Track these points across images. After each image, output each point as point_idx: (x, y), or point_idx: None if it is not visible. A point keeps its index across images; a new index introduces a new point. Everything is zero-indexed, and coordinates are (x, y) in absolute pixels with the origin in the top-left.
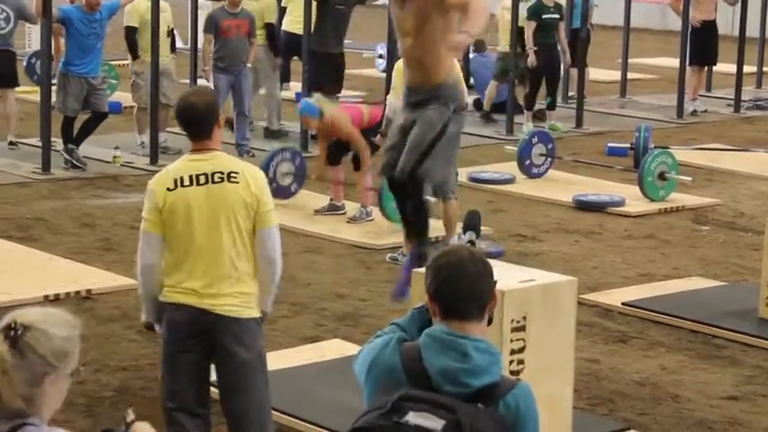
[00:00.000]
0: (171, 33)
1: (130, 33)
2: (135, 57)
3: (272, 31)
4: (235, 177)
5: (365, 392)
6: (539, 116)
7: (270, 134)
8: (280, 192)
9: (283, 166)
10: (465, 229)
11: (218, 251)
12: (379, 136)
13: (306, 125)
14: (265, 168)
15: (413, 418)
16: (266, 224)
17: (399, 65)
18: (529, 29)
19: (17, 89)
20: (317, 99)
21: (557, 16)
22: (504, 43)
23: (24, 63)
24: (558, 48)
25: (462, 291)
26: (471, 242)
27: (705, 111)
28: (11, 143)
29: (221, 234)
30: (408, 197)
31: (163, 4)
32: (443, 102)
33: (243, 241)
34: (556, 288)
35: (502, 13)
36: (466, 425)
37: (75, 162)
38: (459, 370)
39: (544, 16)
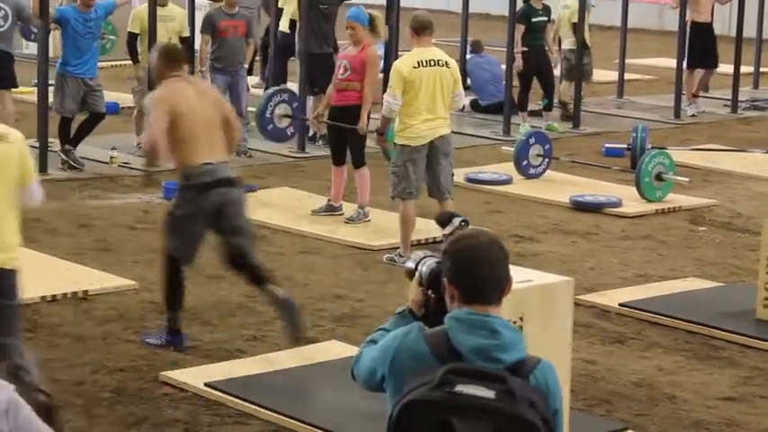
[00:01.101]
0: (185, 41)
1: (131, 39)
2: (135, 62)
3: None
4: (8, 138)
5: (390, 388)
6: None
7: None
8: (276, 134)
9: (281, 107)
10: (446, 222)
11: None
12: (377, 135)
13: (352, 32)
14: (262, 109)
15: (464, 388)
16: (33, 179)
17: (397, 65)
18: (518, 32)
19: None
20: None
21: (545, 18)
22: (568, 41)
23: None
24: (547, 49)
25: (484, 275)
26: (465, 221)
27: (703, 111)
28: None
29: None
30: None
31: (173, 12)
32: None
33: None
34: (553, 289)
35: (563, 12)
36: (518, 392)
37: (72, 163)
38: (491, 346)
39: (533, 19)
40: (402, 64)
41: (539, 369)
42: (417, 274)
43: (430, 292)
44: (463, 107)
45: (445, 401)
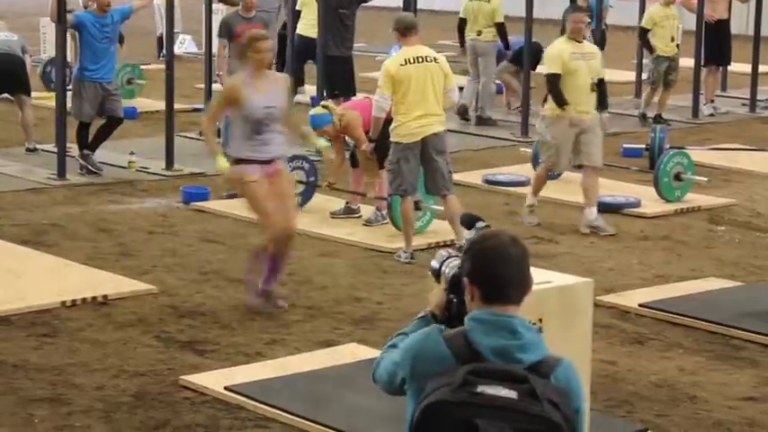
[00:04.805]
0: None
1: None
2: None
3: (502, 30)
4: None
5: (411, 390)
6: None
7: (481, 121)
8: None
9: (297, 173)
10: (469, 224)
11: None
12: (366, 143)
13: (324, 135)
14: None
15: (486, 389)
16: None
17: (385, 64)
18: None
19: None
20: (322, 107)
21: (587, 20)
22: (661, 47)
23: (39, 71)
24: None
25: (504, 276)
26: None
27: (727, 112)
28: (28, 149)
29: None
30: None
31: None
32: None
33: None
34: (572, 290)
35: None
36: (541, 393)
37: (90, 168)
38: (512, 347)
39: None
40: (390, 63)
41: (560, 368)
42: (443, 276)
43: (452, 296)
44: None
45: (468, 402)
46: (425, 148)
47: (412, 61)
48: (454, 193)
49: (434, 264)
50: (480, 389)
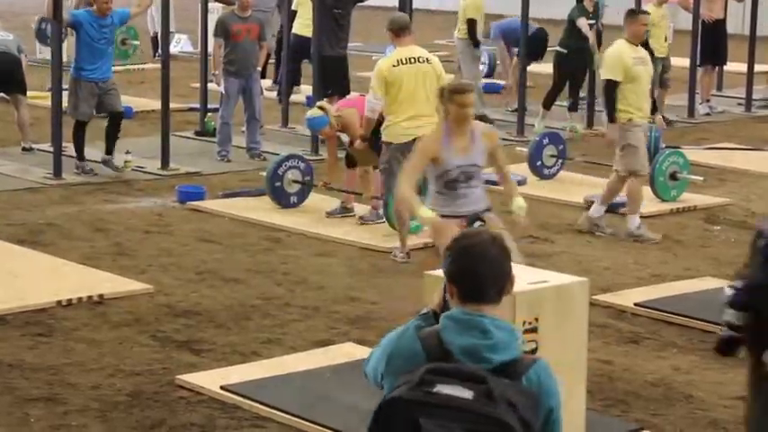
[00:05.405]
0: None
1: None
2: None
3: (471, 27)
4: None
5: (386, 386)
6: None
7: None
8: (280, 195)
9: (293, 173)
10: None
11: None
12: (359, 141)
13: (322, 136)
14: (275, 167)
15: (443, 388)
16: None
17: (378, 65)
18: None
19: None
20: (317, 108)
21: (593, 22)
22: (657, 47)
23: (35, 27)
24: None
25: (479, 274)
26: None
27: (723, 111)
28: (24, 148)
29: None
30: None
31: None
32: None
33: None
34: (568, 289)
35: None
36: (497, 394)
37: (114, 169)
38: (480, 346)
39: (589, 21)
40: (382, 63)
41: (533, 370)
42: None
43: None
44: None
45: (422, 401)
46: None
47: (404, 62)
48: None
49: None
50: (437, 388)
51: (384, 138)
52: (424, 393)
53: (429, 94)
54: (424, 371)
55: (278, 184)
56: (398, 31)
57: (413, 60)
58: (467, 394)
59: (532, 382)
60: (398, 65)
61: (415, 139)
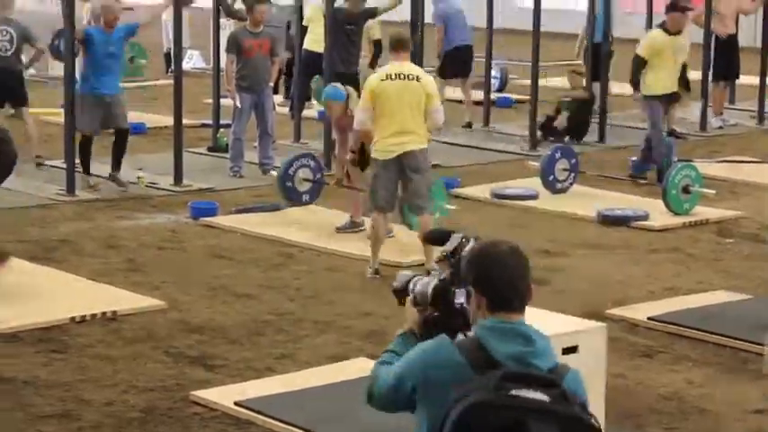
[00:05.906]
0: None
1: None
2: None
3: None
4: None
5: (424, 399)
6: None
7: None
8: (292, 194)
9: (304, 171)
10: (441, 239)
11: None
12: (350, 153)
13: (329, 111)
14: (286, 167)
15: (520, 392)
16: None
17: (368, 79)
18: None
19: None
20: (344, 87)
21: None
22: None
23: (48, 43)
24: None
25: (511, 284)
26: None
27: (735, 124)
28: (37, 159)
29: None
30: None
31: None
32: None
33: None
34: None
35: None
36: (570, 396)
37: (120, 186)
38: (526, 353)
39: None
40: (371, 78)
41: (570, 376)
42: (412, 294)
43: (429, 310)
44: None
45: (509, 405)
46: (402, 167)
47: (393, 77)
48: (431, 213)
49: (396, 284)
50: (515, 392)
51: (372, 153)
52: (508, 397)
53: (414, 112)
54: (499, 376)
55: (289, 183)
56: (395, 45)
57: (402, 77)
58: (544, 397)
59: (571, 389)
60: (386, 79)
61: (399, 156)
